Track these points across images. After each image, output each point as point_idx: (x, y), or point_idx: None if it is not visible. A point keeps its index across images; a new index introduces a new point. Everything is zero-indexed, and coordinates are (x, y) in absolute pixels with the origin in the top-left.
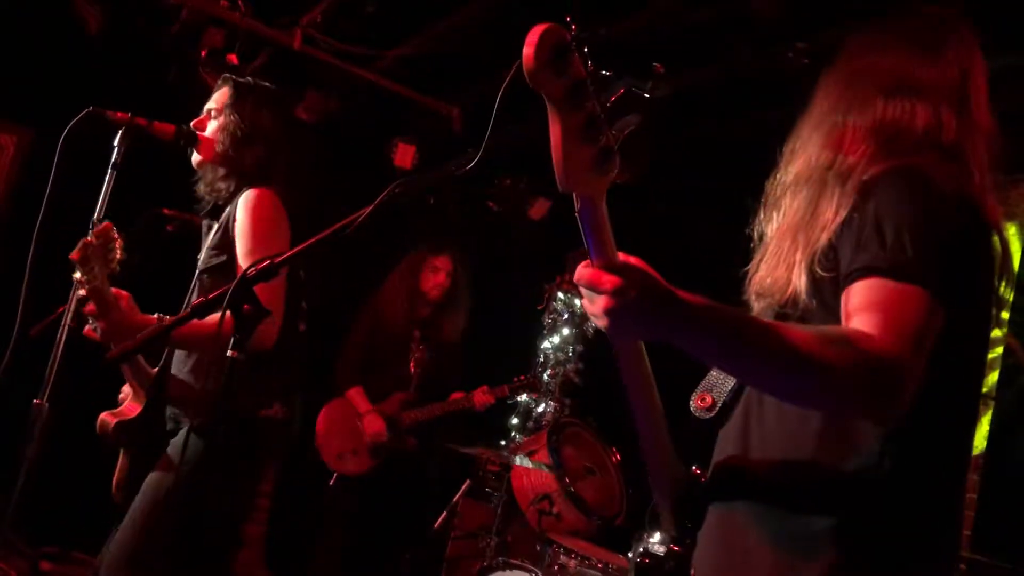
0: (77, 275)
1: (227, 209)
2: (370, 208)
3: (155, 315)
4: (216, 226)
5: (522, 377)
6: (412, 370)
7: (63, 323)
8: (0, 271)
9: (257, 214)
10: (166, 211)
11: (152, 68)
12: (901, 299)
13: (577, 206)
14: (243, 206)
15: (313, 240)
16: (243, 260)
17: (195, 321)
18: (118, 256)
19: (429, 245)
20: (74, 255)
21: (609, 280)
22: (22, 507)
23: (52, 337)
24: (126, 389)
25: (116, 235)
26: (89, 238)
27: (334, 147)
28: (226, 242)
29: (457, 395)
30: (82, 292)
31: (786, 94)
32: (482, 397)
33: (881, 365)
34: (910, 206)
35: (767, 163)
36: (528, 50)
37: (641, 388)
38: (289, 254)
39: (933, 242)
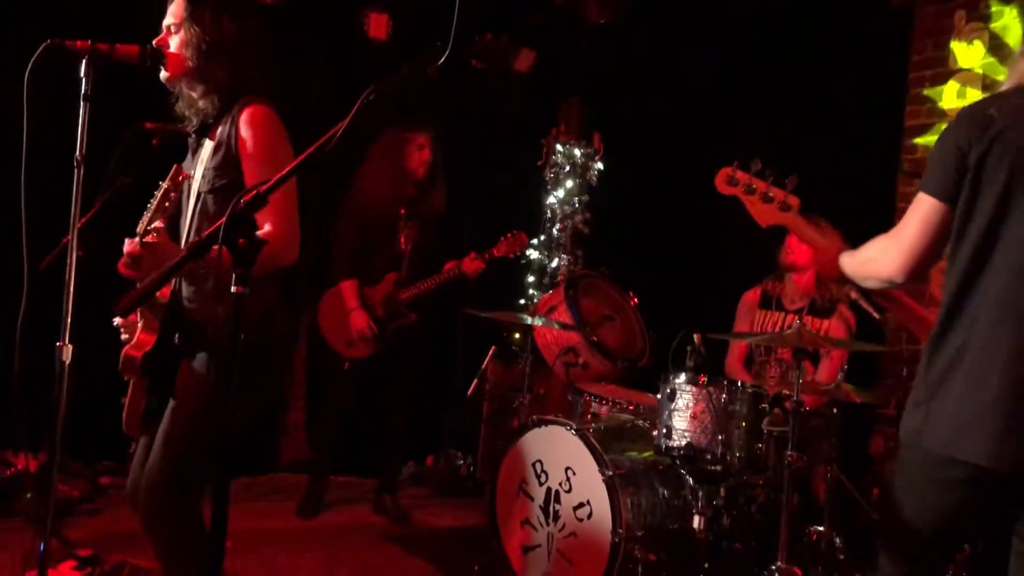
0: (157, 224)
1: (223, 126)
2: (346, 121)
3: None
4: (212, 145)
5: (509, 235)
6: (403, 248)
7: (70, 253)
8: None
9: (261, 135)
10: (148, 125)
11: None
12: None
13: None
14: (245, 126)
15: (294, 164)
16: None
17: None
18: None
19: (406, 124)
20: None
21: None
22: (71, 432)
23: (61, 268)
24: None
25: (182, 176)
26: (167, 184)
27: (305, 28)
28: (229, 162)
29: (450, 264)
30: (150, 239)
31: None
32: (471, 264)
33: (878, 251)
34: None
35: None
36: (715, 184)
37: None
38: (274, 180)
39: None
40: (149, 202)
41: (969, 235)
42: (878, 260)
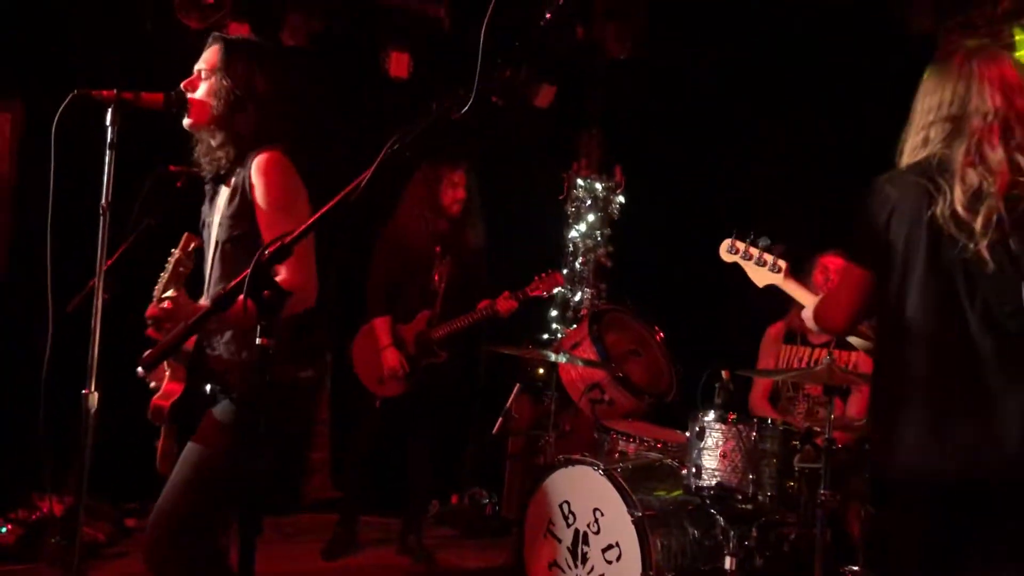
0: (171, 292)
1: (236, 176)
2: (370, 170)
3: (202, 301)
4: (228, 193)
5: (542, 275)
6: (437, 285)
7: (96, 298)
8: (16, 245)
9: (272, 182)
10: (172, 167)
11: (129, 20)
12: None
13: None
14: (257, 173)
15: (319, 214)
16: (267, 233)
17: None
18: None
19: (441, 159)
20: (169, 280)
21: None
22: (96, 474)
23: (87, 310)
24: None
25: (192, 244)
26: (178, 254)
27: (326, 68)
28: (244, 210)
29: (483, 303)
30: (167, 305)
31: None
32: (505, 303)
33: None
34: None
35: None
36: (719, 253)
37: None
38: (299, 231)
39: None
40: (163, 269)
41: (888, 295)
42: (823, 315)
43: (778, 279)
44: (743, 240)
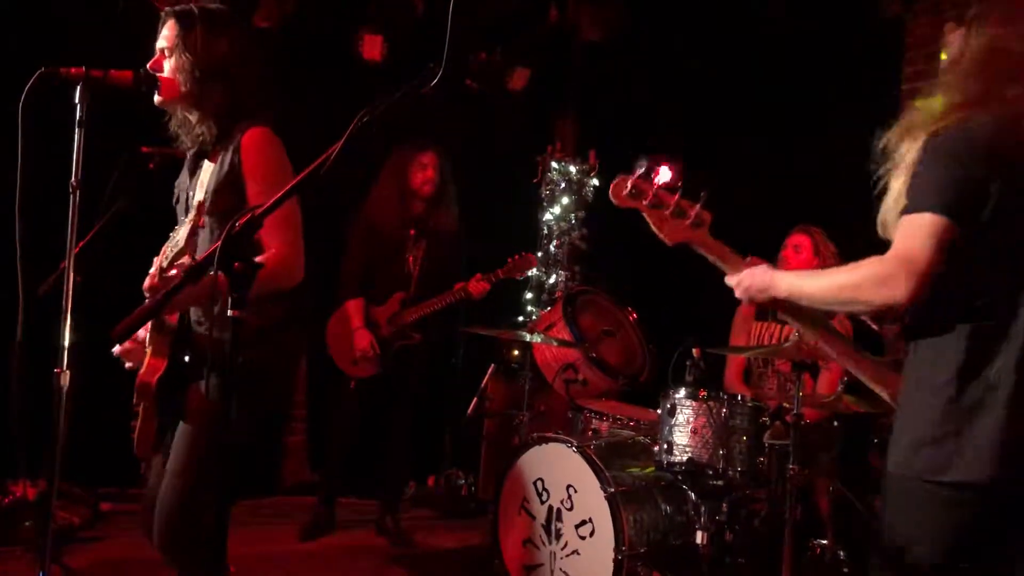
0: (185, 259)
1: (224, 151)
2: (339, 143)
3: None
4: (214, 168)
5: (517, 256)
6: (411, 268)
7: (67, 279)
8: None
9: (265, 158)
10: (145, 148)
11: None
12: (911, 224)
13: (694, 247)
14: (248, 149)
15: (289, 187)
16: None
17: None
18: None
19: (411, 143)
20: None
21: (734, 282)
22: (72, 458)
23: (60, 294)
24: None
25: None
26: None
27: (299, 50)
28: (232, 185)
29: (456, 286)
30: (175, 272)
31: None
32: (477, 286)
33: (876, 276)
34: (930, 153)
35: None
36: (611, 196)
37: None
38: (270, 203)
39: (940, 173)
40: (170, 239)
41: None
42: (875, 284)
43: (698, 235)
44: (648, 180)
